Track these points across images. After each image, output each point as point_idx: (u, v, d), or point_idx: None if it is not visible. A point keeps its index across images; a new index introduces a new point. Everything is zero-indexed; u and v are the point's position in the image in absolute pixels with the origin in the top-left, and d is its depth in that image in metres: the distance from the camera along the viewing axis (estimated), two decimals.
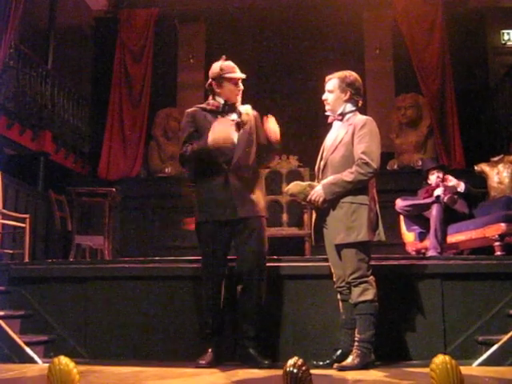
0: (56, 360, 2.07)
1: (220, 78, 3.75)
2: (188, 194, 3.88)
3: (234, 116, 3.72)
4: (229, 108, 3.74)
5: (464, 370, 2.03)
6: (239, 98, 3.79)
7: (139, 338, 3.99)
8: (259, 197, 3.69)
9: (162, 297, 4.06)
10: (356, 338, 3.33)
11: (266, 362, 3.47)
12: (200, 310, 3.86)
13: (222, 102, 3.75)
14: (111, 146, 9.05)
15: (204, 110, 3.77)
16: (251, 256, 3.60)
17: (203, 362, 3.52)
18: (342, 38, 9.32)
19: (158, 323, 4.00)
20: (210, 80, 3.80)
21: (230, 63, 3.79)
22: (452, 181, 5.56)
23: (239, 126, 3.68)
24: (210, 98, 3.82)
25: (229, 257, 3.73)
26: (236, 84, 3.75)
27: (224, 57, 3.82)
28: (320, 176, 3.59)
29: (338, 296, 3.53)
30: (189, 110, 3.83)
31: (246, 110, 3.77)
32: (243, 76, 3.78)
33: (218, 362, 3.56)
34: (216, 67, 3.77)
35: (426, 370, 2.12)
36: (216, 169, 3.62)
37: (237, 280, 3.70)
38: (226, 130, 3.55)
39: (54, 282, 4.19)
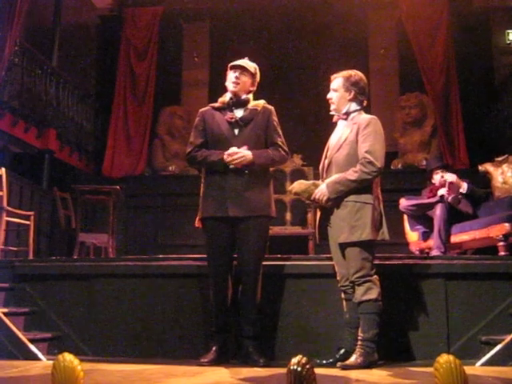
0: (60, 357, 2.07)
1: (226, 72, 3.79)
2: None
3: (240, 112, 3.71)
4: (235, 103, 3.72)
5: (467, 369, 2.02)
6: (250, 95, 3.76)
7: (143, 336, 3.99)
8: (262, 196, 3.63)
9: (165, 294, 4.05)
10: (359, 337, 3.33)
11: (262, 361, 3.45)
12: (205, 308, 3.87)
13: (228, 97, 3.75)
14: (115, 143, 9.06)
15: (214, 108, 3.77)
16: (245, 256, 3.58)
17: (205, 360, 3.51)
18: (346, 38, 9.29)
19: (162, 321, 4.00)
20: None
21: None
22: (450, 177, 5.49)
23: (238, 123, 3.66)
24: None
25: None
26: (234, 72, 3.71)
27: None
28: (324, 175, 3.58)
29: (342, 295, 3.53)
30: (202, 109, 3.85)
31: (256, 105, 3.74)
32: (237, 62, 3.74)
33: (221, 361, 3.54)
34: None
35: (430, 369, 2.12)
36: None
37: (238, 279, 3.67)
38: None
39: (57, 279, 4.20)
